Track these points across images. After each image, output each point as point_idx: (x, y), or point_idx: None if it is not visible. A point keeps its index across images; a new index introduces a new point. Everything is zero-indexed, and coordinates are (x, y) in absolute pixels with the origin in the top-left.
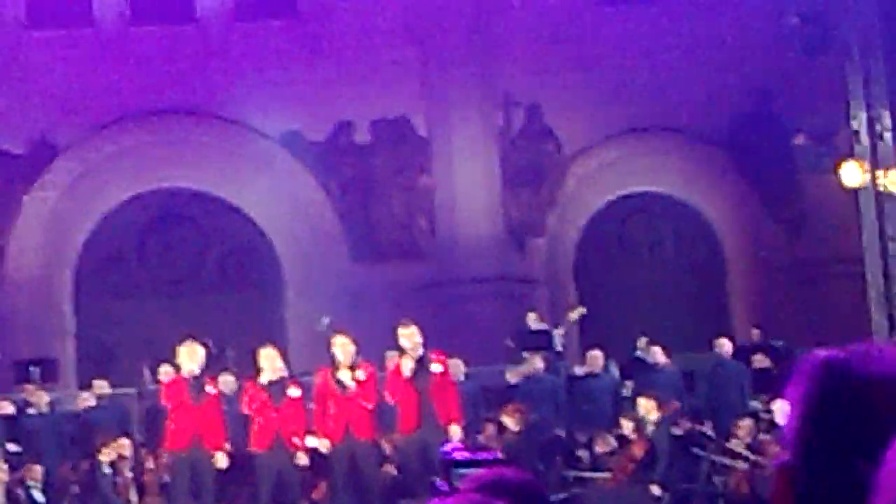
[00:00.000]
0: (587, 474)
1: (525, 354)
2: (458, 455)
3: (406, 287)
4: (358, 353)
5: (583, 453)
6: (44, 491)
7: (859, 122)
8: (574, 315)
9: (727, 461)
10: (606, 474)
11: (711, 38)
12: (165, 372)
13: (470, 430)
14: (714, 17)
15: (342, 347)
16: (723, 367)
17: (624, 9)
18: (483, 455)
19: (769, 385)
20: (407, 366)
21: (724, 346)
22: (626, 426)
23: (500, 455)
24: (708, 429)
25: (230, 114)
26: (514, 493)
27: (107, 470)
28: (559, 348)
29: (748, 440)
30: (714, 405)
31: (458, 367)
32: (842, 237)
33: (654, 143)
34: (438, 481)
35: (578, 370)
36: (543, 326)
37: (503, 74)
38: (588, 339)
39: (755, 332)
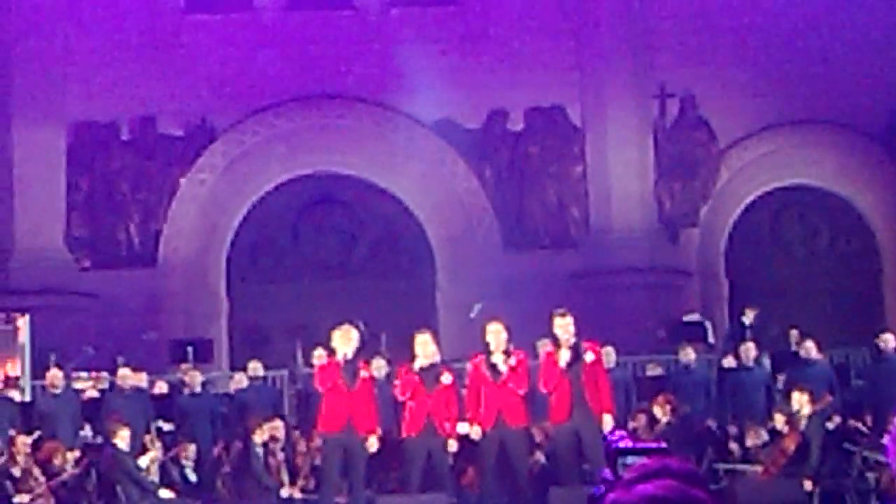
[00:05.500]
0: (738, 467)
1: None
2: (623, 443)
3: (557, 276)
4: (510, 340)
5: (734, 446)
6: (195, 470)
7: None
8: (750, 315)
9: (881, 457)
10: (757, 467)
11: (870, 30)
12: (318, 355)
13: (619, 420)
14: (872, 8)
15: (495, 334)
16: (885, 362)
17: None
18: (647, 444)
19: None
20: (563, 357)
21: (889, 341)
22: (779, 420)
23: (663, 445)
24: (865, 424)
25: (385, 100)
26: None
27: (259, 451)
28: (711, 340)
29: None
30: (873, 400)
31: (609, 356)
32: None
33: (809, 135)
34: (604, 470)
35: (730, 362)
36: (697, 318)
37: (658, 65)
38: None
39: None
